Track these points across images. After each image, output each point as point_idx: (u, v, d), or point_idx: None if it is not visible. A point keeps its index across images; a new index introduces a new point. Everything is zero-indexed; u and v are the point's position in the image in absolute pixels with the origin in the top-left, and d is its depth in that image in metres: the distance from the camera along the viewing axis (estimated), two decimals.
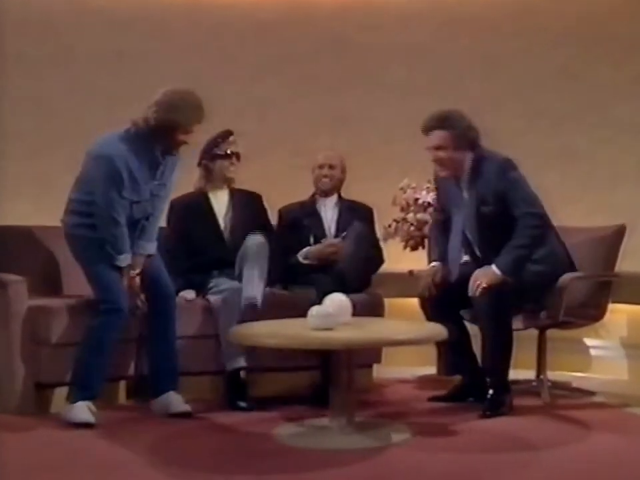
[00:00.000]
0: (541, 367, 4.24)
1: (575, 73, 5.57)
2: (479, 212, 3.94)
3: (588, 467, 3.09)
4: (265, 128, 5.58)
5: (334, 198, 4.69)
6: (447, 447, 3.39)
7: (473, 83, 5.69)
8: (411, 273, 4.81)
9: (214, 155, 4.44)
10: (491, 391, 3.84)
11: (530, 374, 4.31)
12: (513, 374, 4.37)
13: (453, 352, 4.06)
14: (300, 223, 4.60)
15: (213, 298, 4.17)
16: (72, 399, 3.73)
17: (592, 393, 4.30)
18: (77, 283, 4.04)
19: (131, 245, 3.85)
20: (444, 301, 3.97)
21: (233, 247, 4.32)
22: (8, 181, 5.27)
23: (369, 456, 3.24)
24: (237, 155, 4.46)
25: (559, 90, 5.59)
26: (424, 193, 4.77)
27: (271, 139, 5.57)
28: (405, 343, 3.60)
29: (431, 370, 4.75)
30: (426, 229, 4.69)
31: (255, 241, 4.21)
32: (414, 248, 4.82)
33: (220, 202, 4.50)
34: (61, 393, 3.87)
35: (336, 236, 4.52)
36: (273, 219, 4.66)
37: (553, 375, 4.31)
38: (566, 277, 3.94)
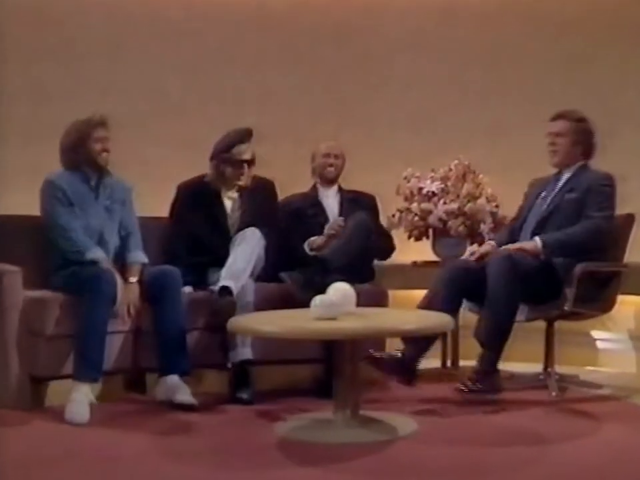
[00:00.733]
0: (548, 360, 4.18)
1: (581, 61, 5.51)
2: (564, 198, 4.08)
3: (599, 461, 3.01)
4: (266, 118, 5.52)
5: (335, 187, 4.68)
6: (454, 440, 3.31)
7: (477, 72, 5.62)
8: (414, 263, 4.74)
9: (226, 158, 4.24)
10: (477, 366, 3.77)
11: (537, 367, 4.25)
12: (520, 367, 4.33)
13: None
14: (303, 213, 4.55)
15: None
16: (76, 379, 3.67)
17: (599, 386, 4.23)
18: None
19: (122, 259, 4.01)
20: (462, 285, 3.93)
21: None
22: (3, 170, 5.22)
23: (375, 450, 3.17)
24: (250, 162, 4.27)
25: (564, 79, 5.52)
26: (428, 182, 4.70)
27: (272, 130, 5.51)
28: (412, 332, 3.52)
29: (436, 363, 4.70)
30: (430, 219, 4.62)
31: (252, 232, 4.07)
32: (418, 238, 4.75)
33: (232, 200, 4.35)
34: (57, 386, 3.80)
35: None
36: None
37: (560, 368, 4.23)
38: (577, 268, 3.87)
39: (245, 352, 3.96)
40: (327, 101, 5.67)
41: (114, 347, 3.82)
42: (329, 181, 4.66)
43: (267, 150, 5.30)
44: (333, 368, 3.55)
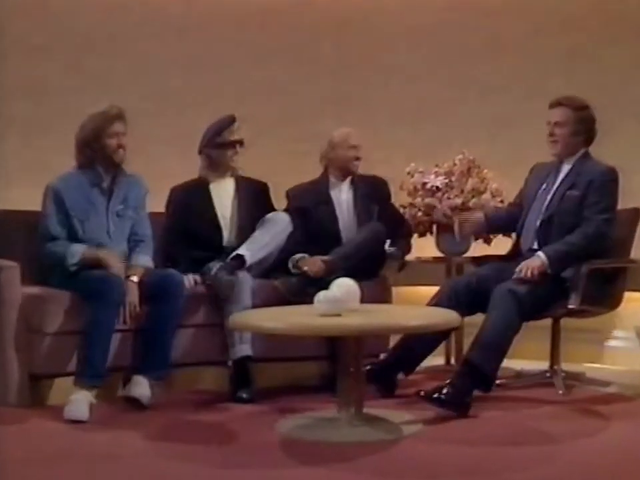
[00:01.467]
0: (554, 358, 4.13)
1: (583, 55, 5.47)
2: (565, 194, 3.97)
3: (608, 461, 2.96)
4: (267, 113, 5.48)
5: (348, 180, 4.53)
6: (461, 439, 3.26)
7: (481, 65, 5.58)
8: (418, 259, 4.69)
9: (216, 143, 4.29)
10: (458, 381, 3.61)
11: (543, 365, 4.20)
12: (526, 364, 4.28)
13: None
14: (310, 213, 4.41)
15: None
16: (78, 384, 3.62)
17: (606, 384, 4.18)
18: None
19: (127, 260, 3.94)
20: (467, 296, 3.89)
21: (239, 237, 4.20)
22: (2, 165, 5.17)
23: (379, 449, 3.12)
24: (241, 142, 4.33)
25: (566, 73, 5.48)
26: (432, 177, 4.63)
27: (272, 124, 5.48)
28: (419, 329, 3.45)
29: (439, 360, 4.65)
30: (434, 214, 4.56)
31: (283, 217, 4.18)
32: (422, 234, 4.69)
33: (223, 191, 4.37)
34: (57, 384, 3.76)
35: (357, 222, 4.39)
36: (277, 206, 4.50)
37: (566, 365, 4.19)
38: (585, 265, 3.81)
39: (243, 348, 3.92)
40: (329, 97, 5.63)
41: (113, 346, 3.75)
42: (349, 173, 4.51)
43: (268, 145, 5.28)
44: (337, 364, 3.49)
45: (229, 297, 3.91)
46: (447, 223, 4.51)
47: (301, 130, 5.43)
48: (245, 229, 4.21)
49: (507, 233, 4.46)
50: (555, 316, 4.07)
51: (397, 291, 4.39)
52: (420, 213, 4.62)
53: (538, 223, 4.02)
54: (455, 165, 4.65)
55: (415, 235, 4.66)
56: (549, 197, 4.05)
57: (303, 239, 4.30)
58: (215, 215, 4.31)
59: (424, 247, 4.71)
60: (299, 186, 4.58)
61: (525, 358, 4.24)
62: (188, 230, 4.26)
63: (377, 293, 4.09)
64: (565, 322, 4.12)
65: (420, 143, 5.41)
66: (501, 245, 4.53)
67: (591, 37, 5.47)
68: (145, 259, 4.00)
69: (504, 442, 3.21)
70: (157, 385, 3.78)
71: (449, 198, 4.58)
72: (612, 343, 4.93)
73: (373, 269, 4.30)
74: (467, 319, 4.12)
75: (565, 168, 4.07)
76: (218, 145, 4.29)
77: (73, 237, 3.89)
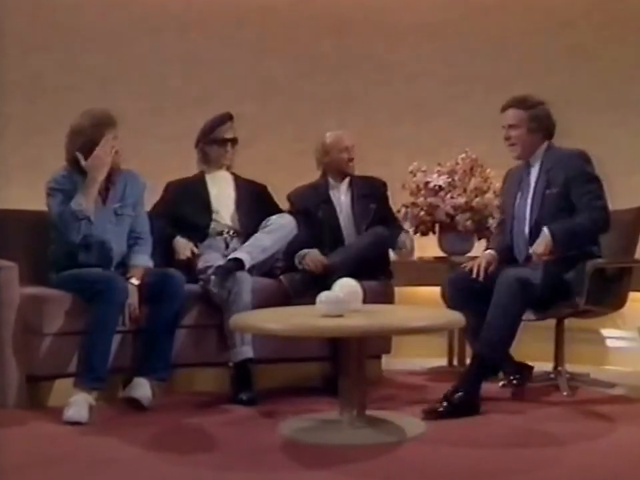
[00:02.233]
0: (558, 359, 4.09)
1: (585, 54, 5.44)
2: (544, 195, 3.89)
3: (613, 463, 2.93)
4: (268, 111, 5.46)
5: (346, 181, 4.52)
6: (465, 441, 3.22)
7: (482, 63, 5.56)
8: (421, 259, 4.65)
9: (209, 139, 4.36)
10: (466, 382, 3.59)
11: (546, 366, 4.16)
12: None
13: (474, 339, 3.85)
14: (312, 214, 4.40)
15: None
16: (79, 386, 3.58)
17: (611, 385, 4.14)
18: None
19: (127, 259, 3.92)
20: (470, 289, 3.83)
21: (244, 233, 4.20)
22: (1, 162, 5.14)
23: (382, 452, 3.08)
24: (233, 141, 4.37)
25: (567, 71, 5.46)
26: (435, 176, 4.59)
27: (273, 122, 5.45)
28: (423, 330, 3.42)
29: (442, 362, 4.62)
30: (437, 214, 4.53)
31: (289, 220, 4.16)
32: (424, 233, 4.65)
33: (218, 180, 4.40)
34: (56, 386, 3.72)
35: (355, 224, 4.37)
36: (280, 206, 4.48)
37: (570, 366, 4.15)
38: (589, 265, 3.77)
39: (245, 350, 3.88)
40: (329, 95, 5.60)
41: (113, 347, 3.71)
42: (349, 176, 4.50)
43: (268, 144, 5.25)
44: (339, 366, 3.46)
45: (221, 304, 3.90)
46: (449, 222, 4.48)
47: (300, 129, 5.40)
48: (246, 231, 4.20)
49: None
50: (559, 316, 4.02)
51: (398, 291, 4.36)
52: (423, 212, 4.58)
53: (527, 232, 3.95)
54: (457, 164, 4.61)
55: (418, 235, 4.62)
56: (529, 203, 3.97)
57: (309, 239, 4.28)
58: (209, 200, 4.33)
59: (426, 247, 4.68)
60: (300, 189, 4.58)
61: (529, 359, 4.19)
62: (176, 213, 4.26)
63: (379, 294, 4.06)
64: (568, 322, 4.08)
65: (421, 141, 5.40)
66: None
67: (593, 35, 5.45)
68: (144, 259, 3.96)
69: (508, 444, 3.18)
70: (158, 387, 3.74)
71: (452, 197, 4.55)
72: (616, 343, 4.90)
73: (375, 271, 4.27)
74: None
75: (534, 168, 3.99)
76: (211, 141, 4.36)
77: None
